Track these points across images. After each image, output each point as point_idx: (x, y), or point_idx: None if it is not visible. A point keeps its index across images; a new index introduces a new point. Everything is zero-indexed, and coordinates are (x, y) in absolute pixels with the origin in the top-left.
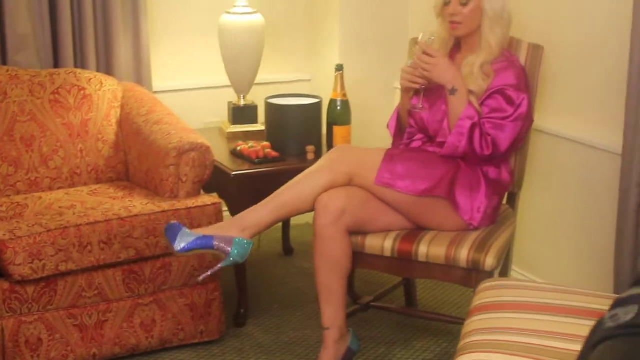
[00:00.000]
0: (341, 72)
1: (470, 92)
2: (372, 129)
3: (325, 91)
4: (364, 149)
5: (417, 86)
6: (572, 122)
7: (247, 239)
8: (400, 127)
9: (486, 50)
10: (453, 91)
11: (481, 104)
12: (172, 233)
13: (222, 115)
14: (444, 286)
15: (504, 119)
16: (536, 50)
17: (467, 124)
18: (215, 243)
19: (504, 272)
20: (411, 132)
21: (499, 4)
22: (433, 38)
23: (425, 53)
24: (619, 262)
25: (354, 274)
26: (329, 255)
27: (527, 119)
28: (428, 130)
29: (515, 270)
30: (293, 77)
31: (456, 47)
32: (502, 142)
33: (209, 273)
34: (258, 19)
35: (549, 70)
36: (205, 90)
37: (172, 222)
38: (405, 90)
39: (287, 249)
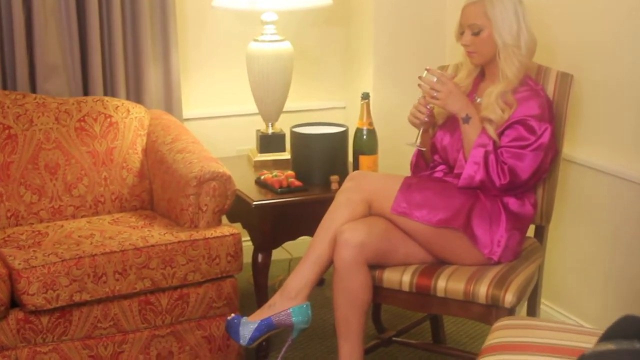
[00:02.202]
0: (367, 100)
1: (490, 121)
2: (397, 157)
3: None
4: (380, 175)
5: (417, 122)
6: (604, 153)
7: (303, 303)
8: (418, 163)
9: (504, 81)
10: (467, 119)
11: (501, 134)
12: (232, 329)
13: (251, 143)
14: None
15: (523, 147)
16: (565, 79)
17: (481, 152)
18: (276, 321)
19: (533, 307)
20: (435, 163)
21: (511, 35)
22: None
23: (438, 80)
24: None
25: (381, 306)
26: (349, 289)
27: (550, 149)
28: (449, 161)
29: (546, 304)
30: (327, 104)
31: (480, 76)
32: (521, 172)
33: (283, 351)
34: (286, 46)
35: (580, 99)
36: (236, 117)
37: (229, 317)
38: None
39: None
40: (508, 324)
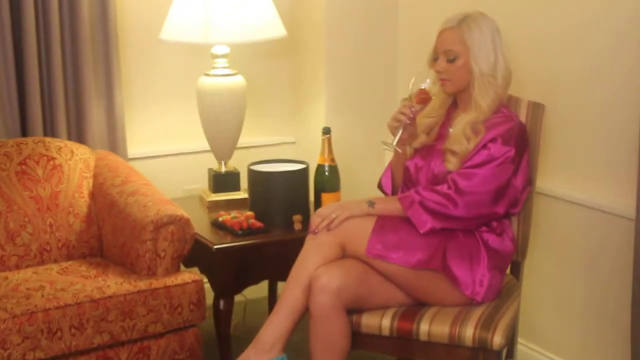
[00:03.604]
0: (328, 135)
1: (453, 152)
2: (359, 193)
3: (311, 155)
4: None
5: (397, 124)
6: (578, 185)
7: (279, 356)
8: (394, 186)
9: (476, 111)
10: (371, 204)
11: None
12: None
13: (201, 182)
14: None
15: (472, 167)
16: (536, 109)
17: (414, 208)
18: None
19: (510, 347)
20: (402, 190)
21: (488, 65)
22: (427, 82)
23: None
24: (636, 335)
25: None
26: (327, 336)
27: (519, 174)
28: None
29: (522, 343)
30: (276, 140)
31: (454, 105)
32: (468, 189)
33: None
34: (239, 80)
35: (552, 130)
36: (184, 155)
37: None
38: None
39: None
40: None
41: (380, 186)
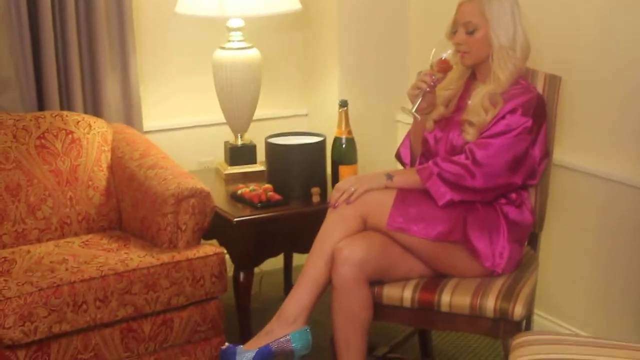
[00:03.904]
0: (345, 108)
1: (471, 124)
2: (374, 165)
3: (323, 127)
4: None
5: (417, 92)
6: (595, 157)
7: (302, 327)
8: (412, 156)
9: (495, 82)
10: (390, 177)
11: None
12: (227, 358)
13: (215, 155)
14: (460, 333)
15: (488, 137)
16: (553, 81)
17: (430, 171)
18: (275, 348)
19: (527, 317)
20: (421, 162)
21: (507, 37)
22: (449, 52)
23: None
24: None
25: None
26: (349, 308)
27: (536, 146)
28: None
29: (538, 314)
30: (289, 112)
31: (472, 77)
32: (484, 159)
33: None
34: (254, 53)
35: (569, 102)
36: (198, 128)
37: (223, 346)
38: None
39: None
40: (530, 340)
41: (398, 156)
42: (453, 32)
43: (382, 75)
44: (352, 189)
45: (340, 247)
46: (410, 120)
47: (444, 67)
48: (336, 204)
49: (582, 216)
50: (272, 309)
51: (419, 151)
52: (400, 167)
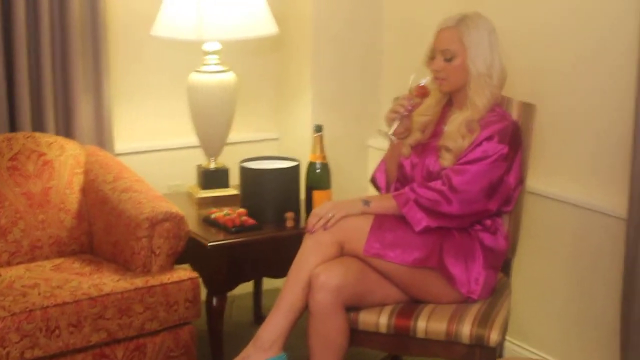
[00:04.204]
0: (320, 133)
1: (448, 149)
2: (346, 191)
3: (294, 151)
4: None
5: (395, 116)
6: (568, 184)
7: (279, 354)
8: (388, 181)
9: (472, 109)
10: (366, 203)
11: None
12: None
13: (185, 179)
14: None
15: (464, 163)
16: (528, 109)
17: (407, 197)
18: None
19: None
20: (397, 188)
21: (484, 65)
22: (427, 79)
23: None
24: (626, 334)
25: None
26: (326, 334)
27: (512, 173)
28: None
29: (508, 340)
30: (260, 136)
31: (449, 104)
32: (461, 185)
33: None
34: (230, 77)
35: (543, 130)
36: (168, 152)
37: None
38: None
39: (259, 318)
40: None
41: (373, 181)
42: (431, 59)
43: (354, 101)
44: (330, 215)
45: (317, 272)
46: (386, 144)
47: (422, 92)
48: (313, 230)
49: (553, 243)
50: (242, 334)
51: (395, 176)
52: (375, 191)
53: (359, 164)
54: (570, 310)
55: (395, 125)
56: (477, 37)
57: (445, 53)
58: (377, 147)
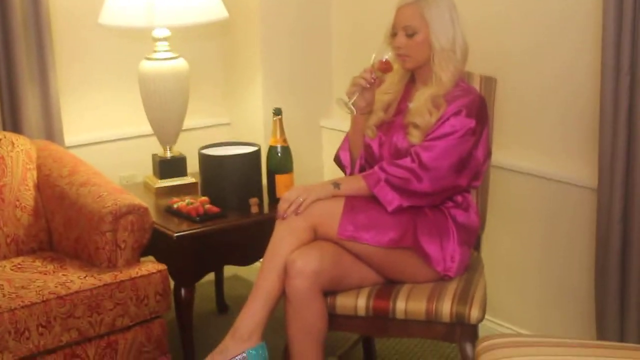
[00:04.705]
0: (280, 116)
1: (416, 126)
2: (302, 173)
3: (246, 136)
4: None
5: (356, 88)
6: (533, 157)
7: (258, 344)
8: (352, 159)
9: (437, 85)
10: (336, 185)
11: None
12: None
13: (137, 169)
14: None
15: (432, 139)
16: (489, 83)
17: (377, 177)
18: None
19: None
20: (362, 165)
21: (447, 40)
22: (389, 54)
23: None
24: (602, 304)
25: None
26: (305, 320)
27: (480, 147)
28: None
29: None
30: (210, 122)
31: (411, 81)
32: (430, 162)
33: None
34: (182, 63)
35: (505, 104)
36: (119, 142)
37: None
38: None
39: (222, 306)
40: (497, 344)
41: (337, 160)
42: (392, 35)
43: (306, 83)
44: (300, 199)
45: (293, 258)
46: (340, 123)
47: (385, 67)
48: (285, 215)
49: (521, 216)
50: (207, 324)
51: (359, 153)
52: (337, 171)
53: (313, 146)
54: (544, 283)
55: (355, 96)
56: (437, 12)
57: (407, 29)
58: (330, 128)
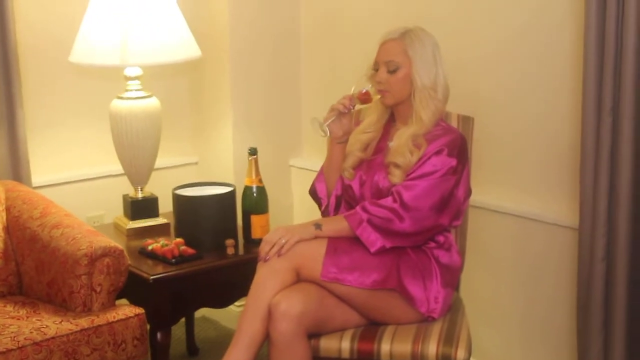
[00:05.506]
0: (255, 156)
1: (397, 165)
2: (272, 211)
3: (214, 175)
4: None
5: (333, 113)
6: (510, 196)
7: None
8: (328, 190)
9: (417, 124)
10: (318, 226)
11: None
12: None
13: (105, 209)
14: None
15: (413, 179)
16: (466, 122)
17: (360, 218)
18: None
19: None
20: (337, 197)
21: (429, 78)
22: (369, 86)
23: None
24: (585, 342)
25: None
26: None
27: (462, 186)
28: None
29: None
30: (178, 161)
31: (391, 118)
32: (411, 201)
33: None
34: (154, 102)
35: (483, 144)
36: (86, 182)
37: None
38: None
39: (192, 349)
40: None
41: (313, 192)
42: (374, 70)
43: (275, 122)
44: (283, 241)
45: (277, 301)
46: (309, 162)
47: (365, 98)
48: (267, 257)
49: (499, 255)
50: None
51: (334, 186)
52: (311, 205)
53: (282, 185)
54: (525, 323)
55: (331, 120)
56: (421, 49)
57: (390, 65)
58: (299, 167)
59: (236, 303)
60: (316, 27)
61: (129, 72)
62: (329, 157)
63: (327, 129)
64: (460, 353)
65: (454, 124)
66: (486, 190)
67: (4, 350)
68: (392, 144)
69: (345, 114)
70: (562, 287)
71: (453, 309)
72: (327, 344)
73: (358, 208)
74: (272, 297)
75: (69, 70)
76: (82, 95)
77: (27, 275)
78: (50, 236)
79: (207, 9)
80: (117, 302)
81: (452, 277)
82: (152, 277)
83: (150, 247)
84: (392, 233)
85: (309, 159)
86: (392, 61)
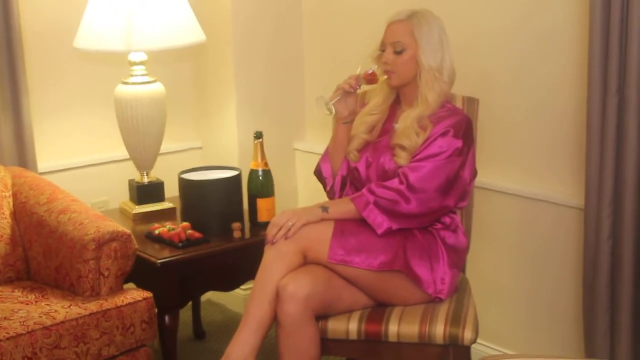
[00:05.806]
0: (260, 140)
1: (403, 147)
2: (277, 195)
3: (218, 160)
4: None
5: (339, 91)
6: (515, 177)
7: None
8: (333, 170)
9: (423, 105)
10: (325, 209)
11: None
12: None
13: (110, 194)
14: None
15: (419, 160)
16: (471, 103)
17: (366, 199)
18: None
19: None
20: (343, 177)
21: (435, 60)
22: (375, 67)
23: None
24: (591, 323)
25: None
26: (297, 345)
27: (467, 167)
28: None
29: None
30: (182, 146)
31: (396, 102)
32: (417, 182)
33: None
34: (159, 87)
35: (488, 125)
36: (91, 167)
37: None
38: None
39: (199, 333)
40: None
41: (318, 172)
42: (381, 51)
43: (279, 105)
44: (289, 224)
45: (284, 283)
46: (314, 145)
47: (371, 78)
48: (274, 240)
49: (504, 236)
50: (188, 351)
51: (339, 166)
52: (316, 185)
53: (287, 168)
54: (531, 303)
55: (337, 98)
56: (428, 31)
57: (396, 45)
58: (304, 150)
59: (242, 286)
60: (318, 10)
61: (133, 57)
62: (334, 137)
63: (333, 107)
64: (468, 333)
65: (459, 105)
66: (491, 171)
67: (14, 334)
68: (398, 125)
69: (351, 94)
70: (568, 268)
71: (460, 290)
72: (334, 325)
73: (364, 190)
74: (280, 280)
75: (74, 56)
76: (86, 81)
77: (34, 261)
78: (57, 221)
79: None
80: (126, 286)
81: (458, 258)
82: (159, 261)
83: (157, 232)
84: (398, 215)
85: (313, 142)
86: (399, 42)
